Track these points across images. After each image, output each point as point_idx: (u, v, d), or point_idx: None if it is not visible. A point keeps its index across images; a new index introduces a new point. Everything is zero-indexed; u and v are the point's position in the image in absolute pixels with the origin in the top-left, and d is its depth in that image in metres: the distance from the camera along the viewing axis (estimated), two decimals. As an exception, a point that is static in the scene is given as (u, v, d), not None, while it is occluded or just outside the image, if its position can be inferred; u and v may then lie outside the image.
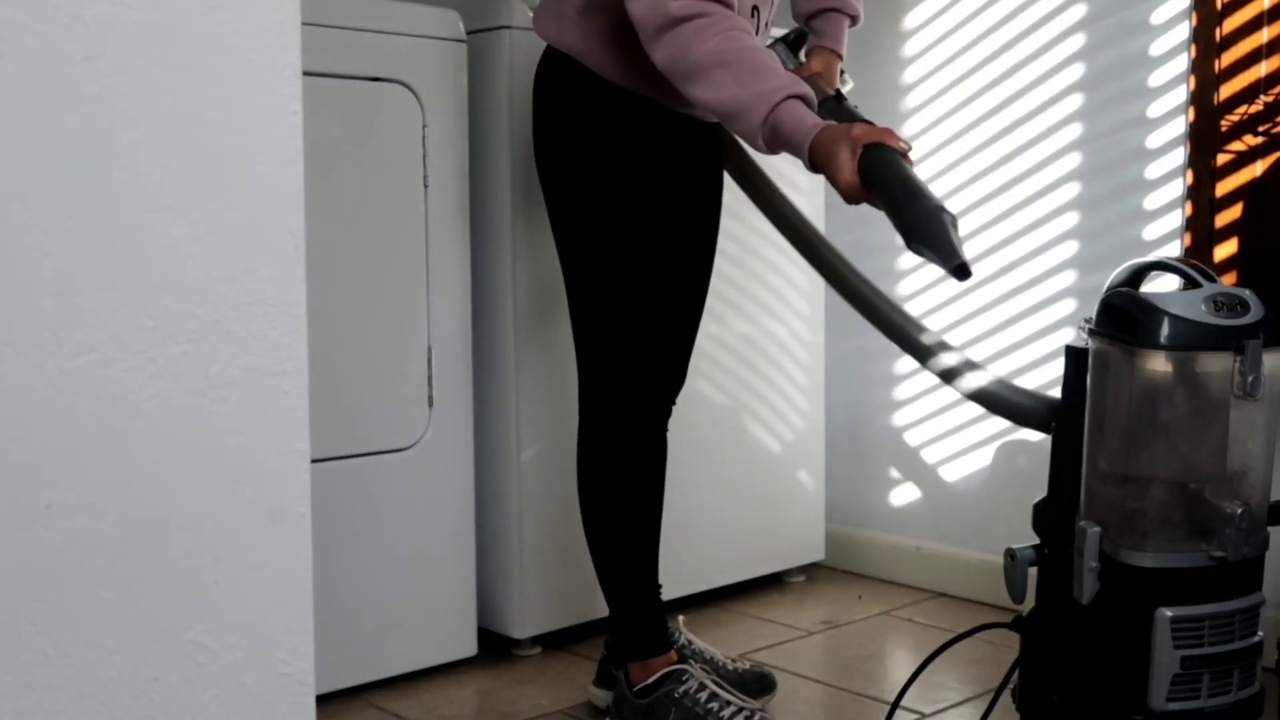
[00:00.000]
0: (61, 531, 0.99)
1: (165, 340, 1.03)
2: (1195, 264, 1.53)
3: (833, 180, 1.63)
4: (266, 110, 1.08)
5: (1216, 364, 1.43)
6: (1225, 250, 2.40)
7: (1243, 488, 1.47)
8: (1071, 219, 2.58)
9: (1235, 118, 2.38)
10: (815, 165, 1.65)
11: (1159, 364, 1.45)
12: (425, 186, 2.29)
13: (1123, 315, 1.47)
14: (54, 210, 0.98)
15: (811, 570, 2.98)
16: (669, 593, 2.67)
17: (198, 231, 1.05)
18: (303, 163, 1.11)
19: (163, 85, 1.03)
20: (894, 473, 2.95)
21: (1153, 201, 2.49)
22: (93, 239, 1.00)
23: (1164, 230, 2.47)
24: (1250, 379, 1.41)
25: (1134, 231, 2.51)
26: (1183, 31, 2.42)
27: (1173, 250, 2.46)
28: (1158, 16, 2.46)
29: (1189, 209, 2.44)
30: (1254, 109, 2.35)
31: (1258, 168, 2.36)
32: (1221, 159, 2.40)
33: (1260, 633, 1.49)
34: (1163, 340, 1.43)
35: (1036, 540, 1.62)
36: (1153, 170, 2.48)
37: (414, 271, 2.28)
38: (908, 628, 2.59)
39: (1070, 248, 2.58)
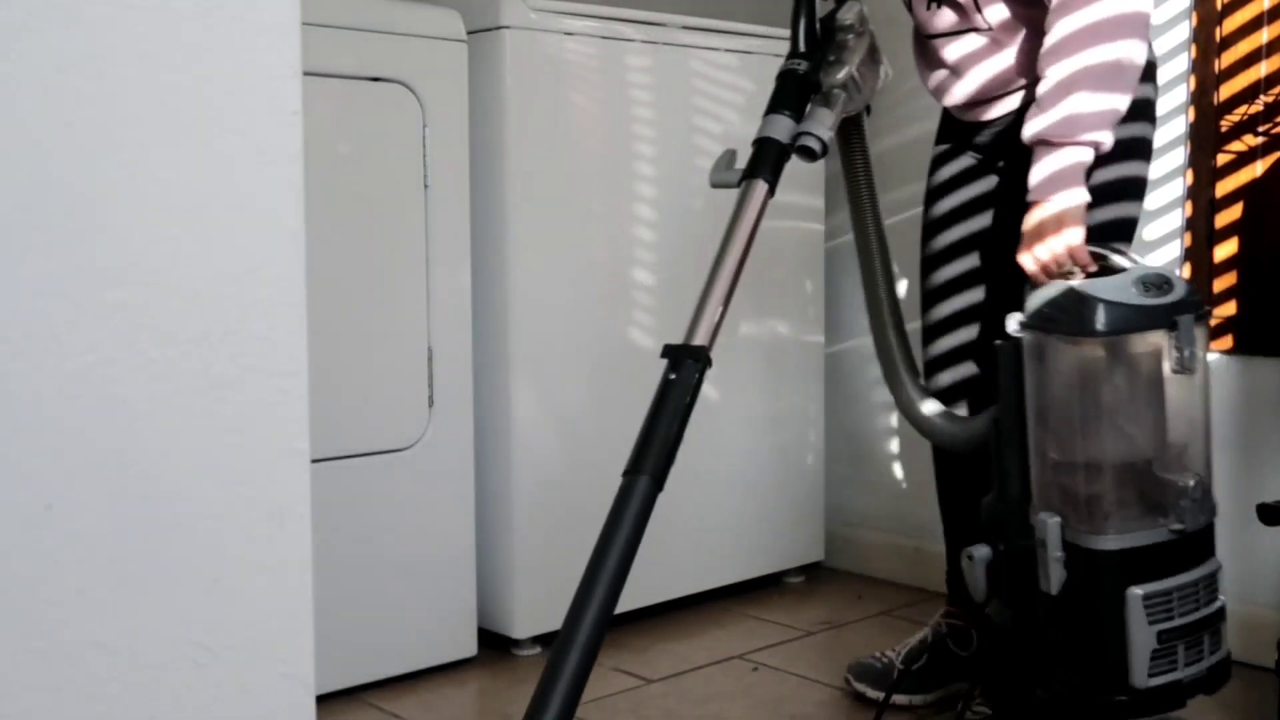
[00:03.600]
0: (61, 531, 0.99)
1: (165, 340, 1.03)
2: (1113, 246, 1.58)
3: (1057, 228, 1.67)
4: (266, 110, 1.08)
5: (1154, 343, 1.48)
6: (1225, 250, 2.40)
7: (1189, 459, 1.51)
8: (1071, 219, 2.58)
9: (1235, 118, 2.38)
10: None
11: (1101, 350, 1.49)
12: (425, 186, 2.29)
13: (1060, 308, 1.50)
14: (54, 210, 0.98)
15: (811, 570, 2.98)
16: (668, 591, 2.67)
17: (198, 231, 1.05)
18: (303, 163, 1.11)
19: (163, 85, 1.02)
20: (894, 473, 2.95)
21: (1153, 201, 2.49)
22: (93, 239, 1.00)
23: (1164, 230, 2.47)
24: (1187, 353, 1.45)
25: (1134, 231, 2.51)
26: (1183, 31, 2.42)
27: (1173, 250, 2.46)
28: (1158, 16, 2.46)
29: (1189, 209, 2.44)
30: (1254, 109, 2.35)
31: (1258, 168, 2.36)
32: (1221, 159, 2.40)
33: (1222, 597, 1.52)
34: (1103, 326, 1.46)
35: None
36: (1153, 170, 2.48)
37: (414, 271, 2.28)
38: (907, 628, 2.59)
39: (1070, 248, 2.58)
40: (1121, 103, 1.67)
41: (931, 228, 2.08)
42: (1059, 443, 1.54)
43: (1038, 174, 1.69)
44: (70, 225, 0.98)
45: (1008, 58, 1.87)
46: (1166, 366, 1.47)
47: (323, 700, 2.09)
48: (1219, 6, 2.38)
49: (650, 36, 2.54)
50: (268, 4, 1.07)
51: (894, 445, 2.93)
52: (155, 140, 1.02)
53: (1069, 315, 1.49)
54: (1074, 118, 1.65)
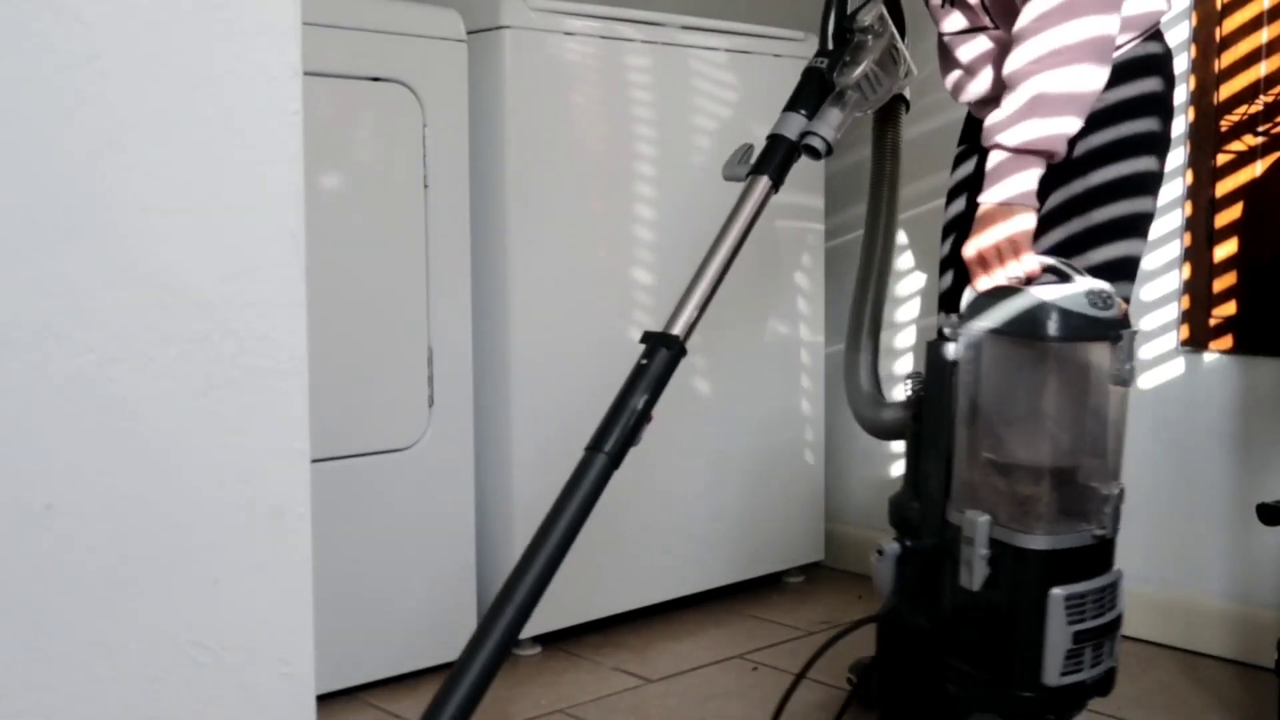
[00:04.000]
0: (61, 531, 0.99)
1: (165, 340, 1.03)
2: (1065, 261, 1.61)
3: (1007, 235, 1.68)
4: (266, 110, 1.08)
5: (1100, 354, 1.53)
6: (1225, 250, 2.40)
7: (1112, 468, 1.57)
8: (1071, 219, 2.58)
9: (1235, 118, 2.38)
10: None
11: (1052, 356, 1.53)
12: (425, 186, 2.29)
13: (1014, 312, 1.54)
14: (54, 210, 0.98)
15: (811, 570, 2.98)
16: (668, 591, 2.67)
17: (198, 231, 1.05)
18: (303, 163, 1.11)
19: (163, 85, 1.02)
20: (893, 473, 2.95)
21: (1153, 201, 2.49)
22: (93, 239, 0.99)
23: (1164, 230, 2.47)
24: (1128, 366, 1.51)
25: (1134, 231, 2.51)
26: (1183, 31, 2.42)
27: (1173, 250, 2.46)
28: (1158, 16, 2.46)
29: (1189, 209, 2.44)
30: (1254, 109, 2.35)
31: (1258, 168, 2.36)
32: (1221, 159, 2.40)
33: (1121, 605, 1.58)
34: (1057, 333, 1.50)
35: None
36: (1153, 170, 2.48)
37: (414, 271, 2.29)
38: (908, 628, 2.59)
39: (1070, 248, 2.58)
40: (1075, 125, 1.69)
41: (947, 229, 2.08)
42: (997, 443, 1.58)
43: (1007, 186, 1.70)
44: (70, 225, 0.98)
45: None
46: (1107, 378, 1.52)
47: (323, 700, 2.09)
48: (1219, 6, 2.38)
49: (650, 36, 2.54)
50: (268, 4, 1.07)
51: (894, 445, 2.93)
52: (155, 140, 1.02)
53: (1025, 320, 1.52)
54: (1045, 134, 1.67)
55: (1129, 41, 1.78)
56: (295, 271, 1.10)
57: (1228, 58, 2.38)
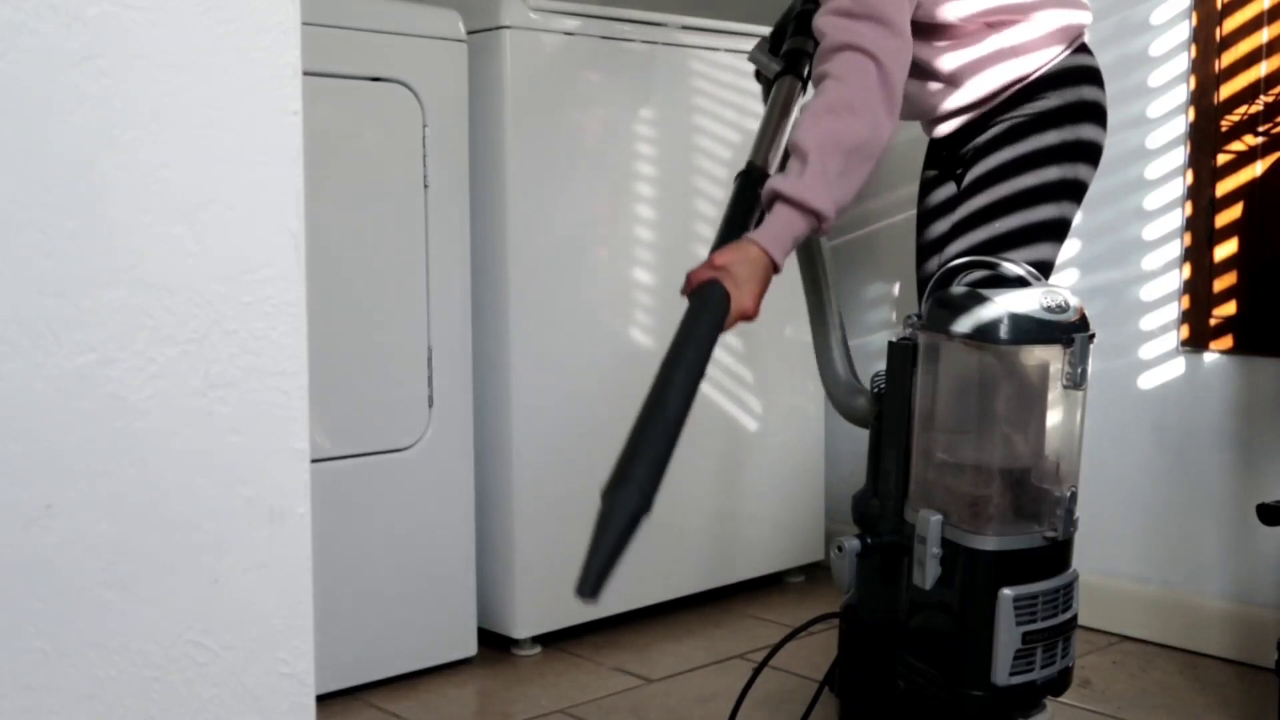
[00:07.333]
0: (61, 531, 0.99)
1: (165, 340, 1.03)
2: (1025, 265, 1.62)
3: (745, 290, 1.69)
4: (266, 110, 1.08)
5: (1050, 357, 1.55)
6: (1225, 250, 2.40)
7: (1065, 472, 1.59)
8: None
9: (1235, 118, 2.38)
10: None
11: (1001, 358, 1.55)
12: (425, 186, 2.29)
13: (967, 313, 1.55)
14: (54, 210, 0.98)
15: (811, 570, 2.98)
16: (668, 591, 2.67)
17: (198, 231, 1.05)
18: (303, 163, 1.11)
19: (163, 85, 1.02)
20: (894, 473, 2.95)
21: (1153, 201, 2.49)
22: (93, 239, 0.99)
23: (1164, 230, 2.47)
24: (1079, 370, 1.53)
25: (1134, 231, 2.51)
26: (1183, 31, 2.43)
27: (1173, 250, 2.46)
28: (1158, 16, 2.46)
29: (1189, 209, 2.44)
30: (1254, 109, 2.35)
31: (1258, 168, 2.36)
32: (1221, 159, 2.40)
33: (1075, 606, 1.60)
34: (1006, 335, 1.53)
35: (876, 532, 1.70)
36: (1153, 170, 2.48)
37: (414, 271, 2.29)
38: (908, 628, 2.60)
39: (1070, 247, 2.58)
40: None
41: (923, 251, 2.08)
42: (949, 444, 1.60)
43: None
44: (70, 225, 0.98)
45: (929, 87, 1.88)
46: (1058, 381, 1.54)
47: (323, 700, 2.09)
48: (1219, 6, 2.38)
49: (650, 36, 2.54)
50: (268, 4, 1.07)
51: (894, 445, 2.93)
52: (155, 140, 1.02)
53: (977, 322, 1.55)
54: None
55: (1061, 53, 1.79)
56: (295, 271, 1.11)
57: (1228, 58, 2.38)
